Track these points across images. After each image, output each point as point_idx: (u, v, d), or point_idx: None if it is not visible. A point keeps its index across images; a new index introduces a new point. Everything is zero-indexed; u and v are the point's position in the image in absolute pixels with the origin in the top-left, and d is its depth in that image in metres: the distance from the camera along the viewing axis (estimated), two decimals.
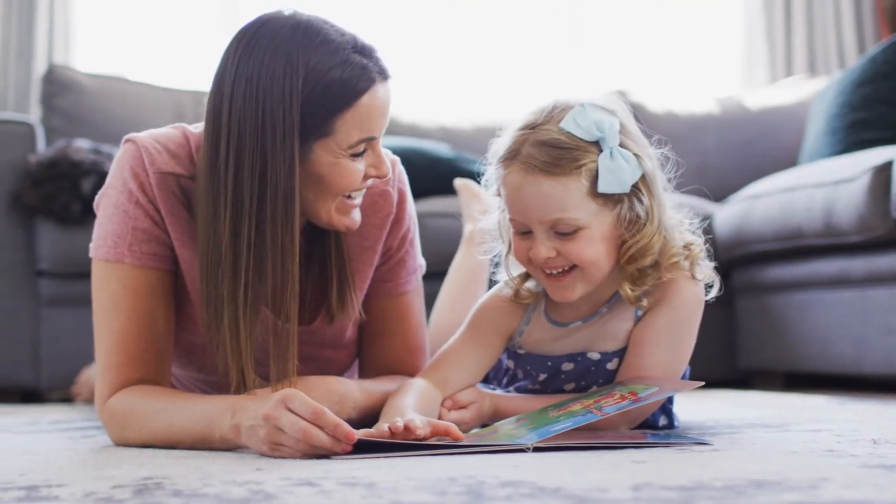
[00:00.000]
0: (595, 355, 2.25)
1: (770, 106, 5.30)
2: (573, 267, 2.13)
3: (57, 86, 4.77)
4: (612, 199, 2.09)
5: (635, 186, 2.09)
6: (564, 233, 2.10)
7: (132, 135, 2.18)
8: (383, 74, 2.09)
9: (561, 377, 2.29)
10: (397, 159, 2.34)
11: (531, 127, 2.12)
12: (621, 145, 2.09)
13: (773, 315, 4.09)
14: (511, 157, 2.12)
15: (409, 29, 5.74)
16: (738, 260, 4.24)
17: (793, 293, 3.98)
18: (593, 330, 2.24)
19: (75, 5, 5.31)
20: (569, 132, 2.08)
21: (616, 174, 2.07)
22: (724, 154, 5.05)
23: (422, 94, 5.34)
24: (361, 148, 2.09)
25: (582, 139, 2.08)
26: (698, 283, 2.20)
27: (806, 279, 3.91)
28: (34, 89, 5.13)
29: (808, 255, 3.89)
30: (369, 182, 2.17)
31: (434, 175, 4.38)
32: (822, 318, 3.82)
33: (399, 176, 2.35)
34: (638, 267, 2.12)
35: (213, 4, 5.59)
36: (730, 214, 4.24)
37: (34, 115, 4.98)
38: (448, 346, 2.32)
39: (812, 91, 5.21)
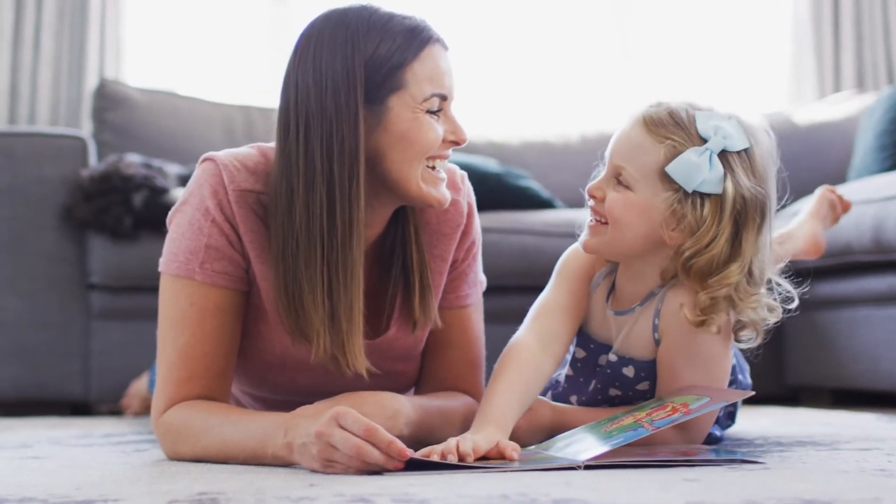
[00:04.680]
0: (613, 357, 2.27)
1: (818, 122, 5.27)
2: (607, 223, 2.17)
3: (108, 100, 4.81)
4: (672, 187, 2.11)
5: (701, 195, 2.10)
6: (620, 184, 2.15)
7: (211, 153, 2.20)
8: (440, 40, 2.18)
9: (595, 370, 2.32)
10: (466, 175, 2.38)
11: (683, 102, 2.18)
12: (727, 163, 2.11)
13: (822, 331, 4.07)
14: (646, 105, 2.19)
15: (457, 44, 5.74)
16: (786, 276, 4.22)
17: (841, 310, 3.96)
18: (625, 325, 2.26)
19: (126, 20, 5.34)
20: (693, 118, 2.13)
21: (689, 169, 2.09)
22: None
23: (470, 109, 5.34)
24: (436, 104, 2.14)
25: (696, 129, 2.12)
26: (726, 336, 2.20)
27: (855, 296, 3.90)
28: (86, 104, 5.16)
29: (857, 272, 3.87)
30: (450, 151, 2.21)
31: (482, 190, 4.35)
32: (870, 334, 3.80)
33: (468, 190, 2.39)
34: (712, 295, 2.12)
35: (263, 19, 5.62)
36: (777, 230, 4.22)
37: (86, 129, 5.02)
38: (543, 299, 2.32)
39: (861, 107, 5.18)
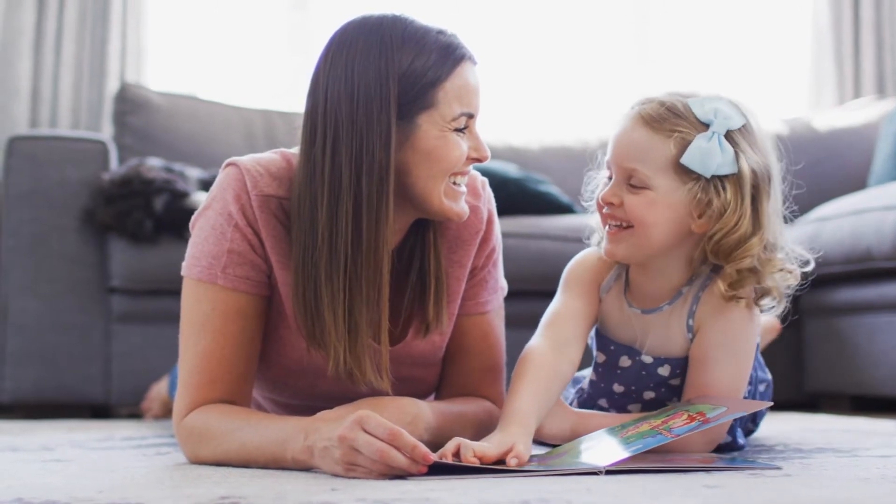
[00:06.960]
0: (648, 359, 2.28)
1: (838, 127, 5.27)
2: (630, 227, 2.17)
3: (129, 104, 4.82)
4: (691, 177, 2.13)
5: (719, 178, 2.11)
6: (635, 186, 2.16)
7: (234, 158, 2.21)
8: (471, 57, 2.19)
9: (617, 373, 2.32)
10: (486, 181, 2.38)
11: (668, 93, 2.20)
12: (733, 142, 2.14)
13: (841, 338, 4.06)
14: (635, 105, 2.21)
15: (478, 50, 5.74)
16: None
17: (861, 316, 3.96)
18: (654, 324, 2.27)
19: (147, 24, 5.35)
20: (689, 106, 2.16)
21: (703, 155, 2.11)
22: (792, 176, 5.01)
23: (490, 114, 5.34)
24: (463, 123, 2.14)
25: (696, 116, 2.15)
26: (751, 310, 2.22)
27: (875, 302, 3.89)
28: (107, 107, 5.17)
29: (877, 278, 3.86)
30: (471, 168, 2.23)
31: (502, 195, 4.36)
32: (890, 340, 3.79)
33: (489, 196, 2.39)
34: (737, 268, 2.14)
35: (283, 24, 5.63)
36: (798, 236, 4.21)
37: (106, 133, 5.03)
38: (553, 308, 2.33)
39: (881, 112, 5.17)
